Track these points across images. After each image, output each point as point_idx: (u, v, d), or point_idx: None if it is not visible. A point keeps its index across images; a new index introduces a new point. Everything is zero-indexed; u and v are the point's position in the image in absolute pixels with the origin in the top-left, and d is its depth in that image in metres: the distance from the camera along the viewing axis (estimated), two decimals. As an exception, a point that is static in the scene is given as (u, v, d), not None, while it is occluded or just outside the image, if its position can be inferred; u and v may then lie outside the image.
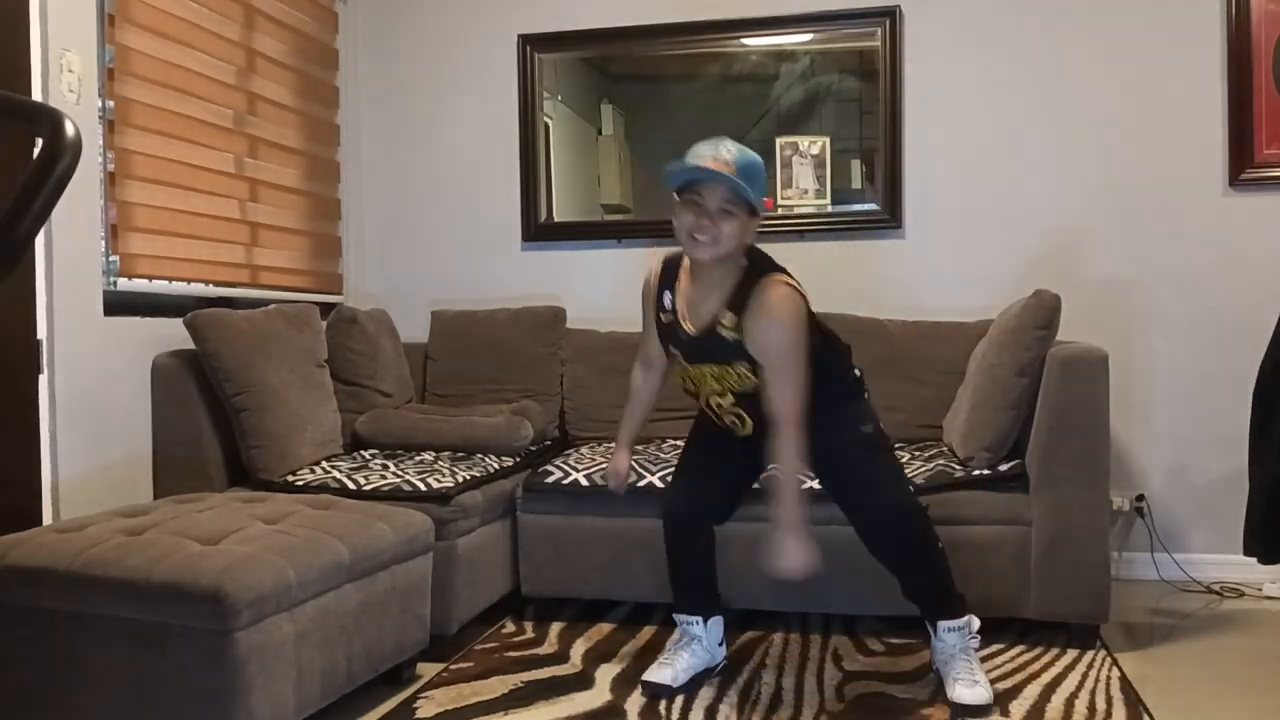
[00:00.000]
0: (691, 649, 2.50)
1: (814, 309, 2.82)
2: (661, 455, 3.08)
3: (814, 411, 2.22)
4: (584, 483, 2.91)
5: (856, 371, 2.45)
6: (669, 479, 2.70)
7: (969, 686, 2.29)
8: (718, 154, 2.13)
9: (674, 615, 2.57)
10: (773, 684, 2.47)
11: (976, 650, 2.40)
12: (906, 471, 2.79)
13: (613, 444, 3.33)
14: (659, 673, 2.45)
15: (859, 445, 2.37)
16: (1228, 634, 2.87)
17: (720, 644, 2.58)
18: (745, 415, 2.34)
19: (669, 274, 2.35)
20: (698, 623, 2.52)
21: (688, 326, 2.29)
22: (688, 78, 3.86)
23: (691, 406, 3.40)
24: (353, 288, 4.01)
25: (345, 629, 2.18)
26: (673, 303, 2.32)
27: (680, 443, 3.30)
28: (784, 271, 2.27)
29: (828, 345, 2.36)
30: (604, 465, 2.98)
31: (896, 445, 3.18)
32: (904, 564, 2.36)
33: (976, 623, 2.40)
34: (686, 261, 2.31)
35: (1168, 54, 3.45)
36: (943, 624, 2.35)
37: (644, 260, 3.78)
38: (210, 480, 2.79)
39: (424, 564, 2.51)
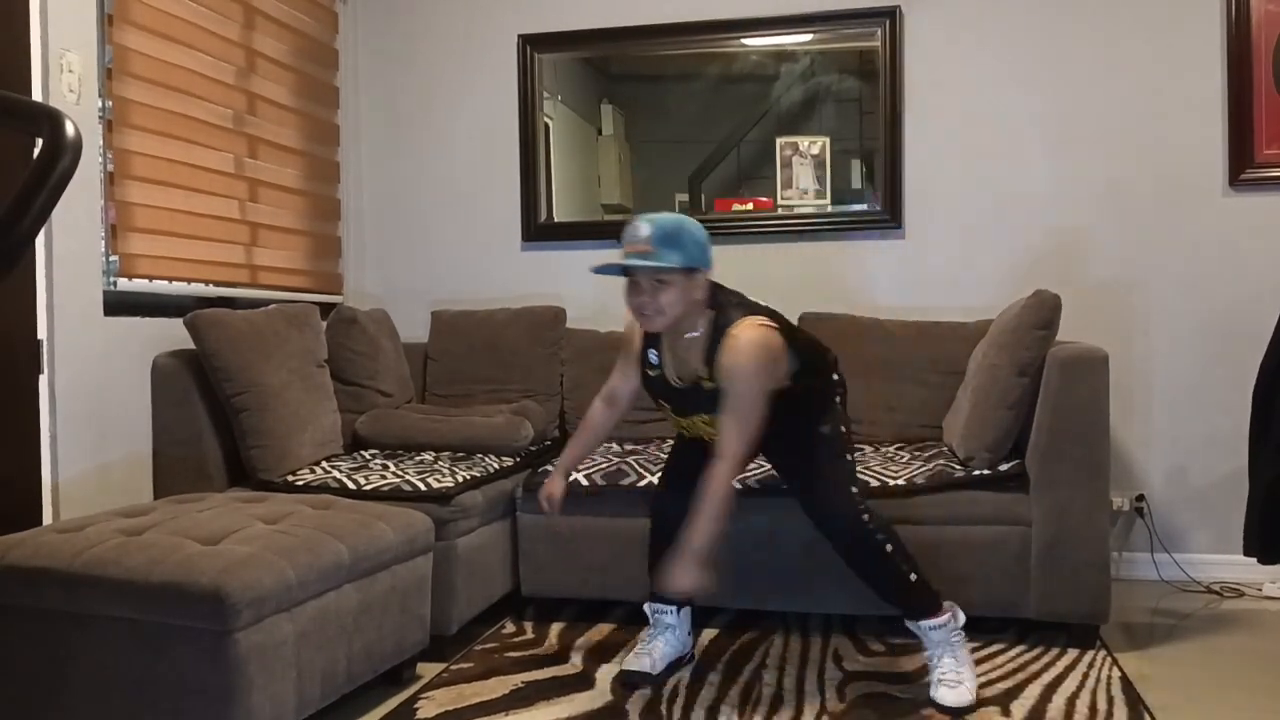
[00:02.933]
0: (665, 637, 2.56)
1: (813, 309, 2.86)
2: (661, 455, 3.08)
3: (784, 404, 2.34)
4: (584, 483, 2.91)
5: (835, 376, 2.52)
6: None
7: (952, 687, 2.30)
8: (635, 238, 2.25)
9: (647, 606, 2.62)
10: (773, 684, 2.47)
11: (964, 642, 2.39)
12: (907, 471, 2.80)
13: (612, 444, 3.35)
14: (638, 661, 2.51)
15: (819, 445, 2.43)
16: (1228, 634, 2.87)
17: (689, 634, 2.65)
18: None
19: (653, 334, 2.40)
20: (671, 612, 2.58)
21: (675, 381, 2.40)
22: (688, 78, 3.86)
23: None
24: (353, 288, 4.01)
25: (345, 629, 2.18)
26: (659, 359, 2.42)
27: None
28: (751, 311, 2.31)
29: (809, 364, 2.43)
30: (604, 465, 2.99)
31: (897, 445, 3.20)
32: (854, 566, 2.37)
33: (961, 616, 2.39)
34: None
35: (1168, 54, 3.45)
36: (924, 624, 2.36)
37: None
38: (210, 480, 2.79)
39: (424, 564, 2.51)
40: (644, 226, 2.25)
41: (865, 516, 2.34)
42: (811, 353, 2.45)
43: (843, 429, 2.47)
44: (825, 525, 2.37)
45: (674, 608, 2.58)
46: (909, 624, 2.39)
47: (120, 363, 2.79)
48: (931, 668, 2.37)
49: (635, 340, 2.49)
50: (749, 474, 2.78)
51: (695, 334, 2.33)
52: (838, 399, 2.49)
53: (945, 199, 3.62)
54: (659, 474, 2.87)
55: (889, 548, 2.33)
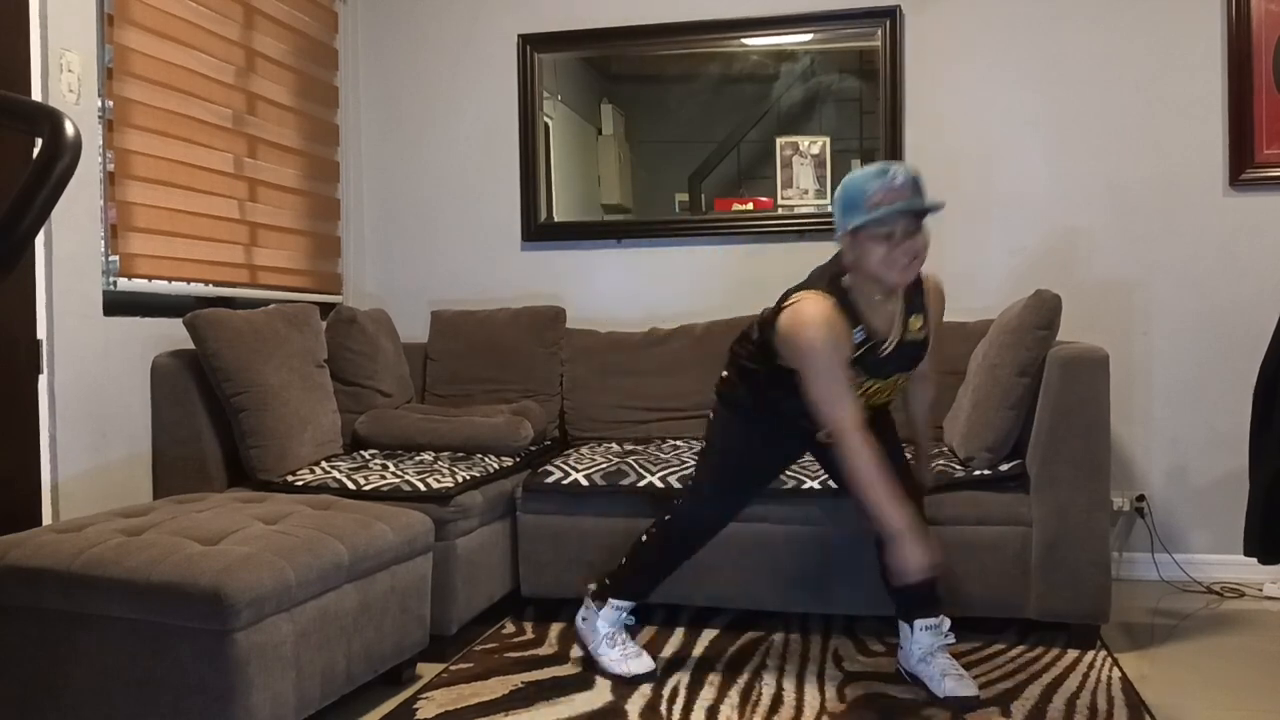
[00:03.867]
0: (629, 631, 2.60)
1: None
2: (661, 455, 3.08)
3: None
4: (584, 483, 2.91)
5: None
6: (707, 483, 2.54)
7: (958, 679, 2.34)
8: (892, 186, 2.13)
9: (619, 600, 2.56)
10: (773, 684, 2.47)
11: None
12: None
13: (612, 444, 3.35)
14: (640, 664, 2.53)
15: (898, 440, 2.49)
16: (1228, 634, 2.87)
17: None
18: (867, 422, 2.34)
19: (849, 311, 2.23)
20: (631, 608, 2.59)
21: (888, 345, 2.27)
22: (688, 78, 3.86)
23: (691, 407, 3.41)
24: (352, 288, 4.01)
25: (345, 629, 2.18)
26: (865, 334, 2.24)
27: (678, 443, 3.32)
28: None
29: None
30: (603, 465, 2.98)
31: (897, 445, 3.20)
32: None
33: (948, 622, 2.45)
34: (853, 292, 2.25)
35: (1168, 54, 3.45)
36: (920, 622, 2.40)
37: (643, 260, 3.80)
38: (210, 480, 2.79)
39: (424, 564, 2.51)
40: (899, 173, 2.14)
41: None
42: None
43: None
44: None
45: (631, 604, 2.59)
46: (911, 623, 2.42)
47: (120, 363, 2.79)
48: (922, 670, 2.40)
49: (840, 343, 2.19)
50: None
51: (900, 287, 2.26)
52: None
53: (945, 199, 3.61)
54: (660, 474, 2.86)
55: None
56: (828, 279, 2.25)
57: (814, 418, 2.22)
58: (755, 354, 2.37)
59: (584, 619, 2.59)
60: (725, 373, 2.48)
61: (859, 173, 2.18)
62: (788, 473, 2.71)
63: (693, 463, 2.93)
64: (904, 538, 2.10)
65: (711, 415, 2.50)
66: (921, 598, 2.41)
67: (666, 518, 2.54)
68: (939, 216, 3.60)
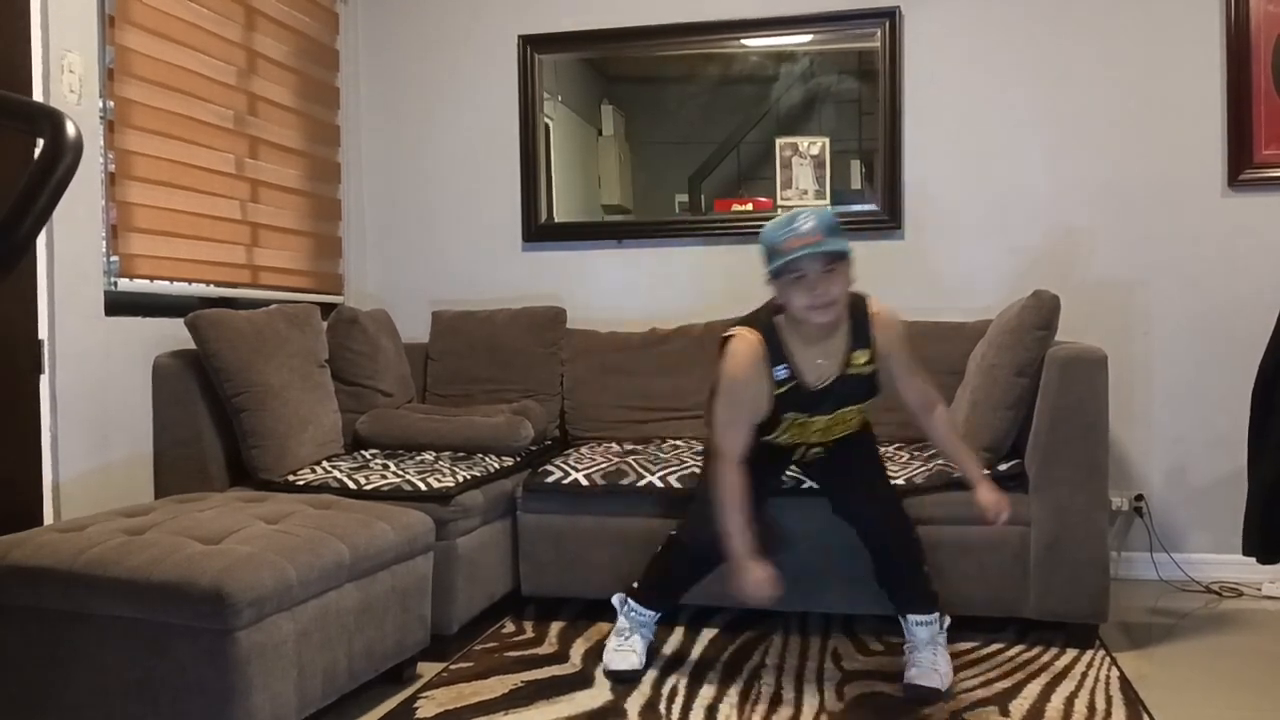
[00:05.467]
0: (641, 632, 2.61)
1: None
2: (661, 455, 3.08)
3: (854, 439, 2.49)
4: (584, 483, 2.91)
5: None
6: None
7: (926, 671, 2.40)
8: (799, 232, 2.22)
9: (629, 602, 2.62)
10: (773, 684, 2.47)
11: (945, 645, 2.49)
12: (906, 471, 2.81)
13: (612, 444, 3.36)
14: (624, 660, 2.54)
15: (875, 449, 2.62)
16: (1227, 634, 2.88)
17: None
18: (825, 455, 2.55)
19: (774, 350, 2.32)
20: (652, 615, 2.63)
21: (814, 384, 2.35)
22: (688, 78, 3.87)
23: (691, 406, 3.42)
24: (353, 288, 4.01)
25: (346, 628, 2.18)
26: (789, 370, 2.33)
27: (678, 443, 3.32)
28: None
29: None
30: (604, 465, 2.99)
31: (896, 445, 3.20)
32: (897, 562, 2.51)
33: (947, 620, 2.50)
34: (784, 330, 2.34)
35: (1168, 54, 3.46)
36: (913, 617, 2.46)
37: (643, 260, 3.81)
38: (211, 480, 2.79)
39: (424, 564, 2.51)
40: (807, 220, 2.23)
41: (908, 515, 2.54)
42: None
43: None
44: (892, 527, 2.49)
45: (652, 612, 2.61)
46: (907, 619, 2.46)
47: (121, 363, 2.79)
48: (908, 656, 2.45)
49: (751, 381, 2.31)
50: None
51: (843, 323, 2.34)
52: None
53: (945, 199, 3.63)
54: (660, 474, 2.87)
55: (922, 545, 2.51)
56: (764, 316, 2.38)
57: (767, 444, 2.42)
58: None
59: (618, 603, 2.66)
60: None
61: (773, 221, 2.30)
62: (787, 473, 2.72)
63: (692, 463, 2.94)
64: (741, 566, 2.26)
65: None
66: (910, 595, 2.48)
67: (672, 534, 2.60)
68: (938, 217, 3.62)
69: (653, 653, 2.64)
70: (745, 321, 2.39)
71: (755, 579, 2.25)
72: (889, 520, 2.50)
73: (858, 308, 2.36)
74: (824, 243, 2.21)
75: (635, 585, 2.64)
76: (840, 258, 2.25)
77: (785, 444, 2.49)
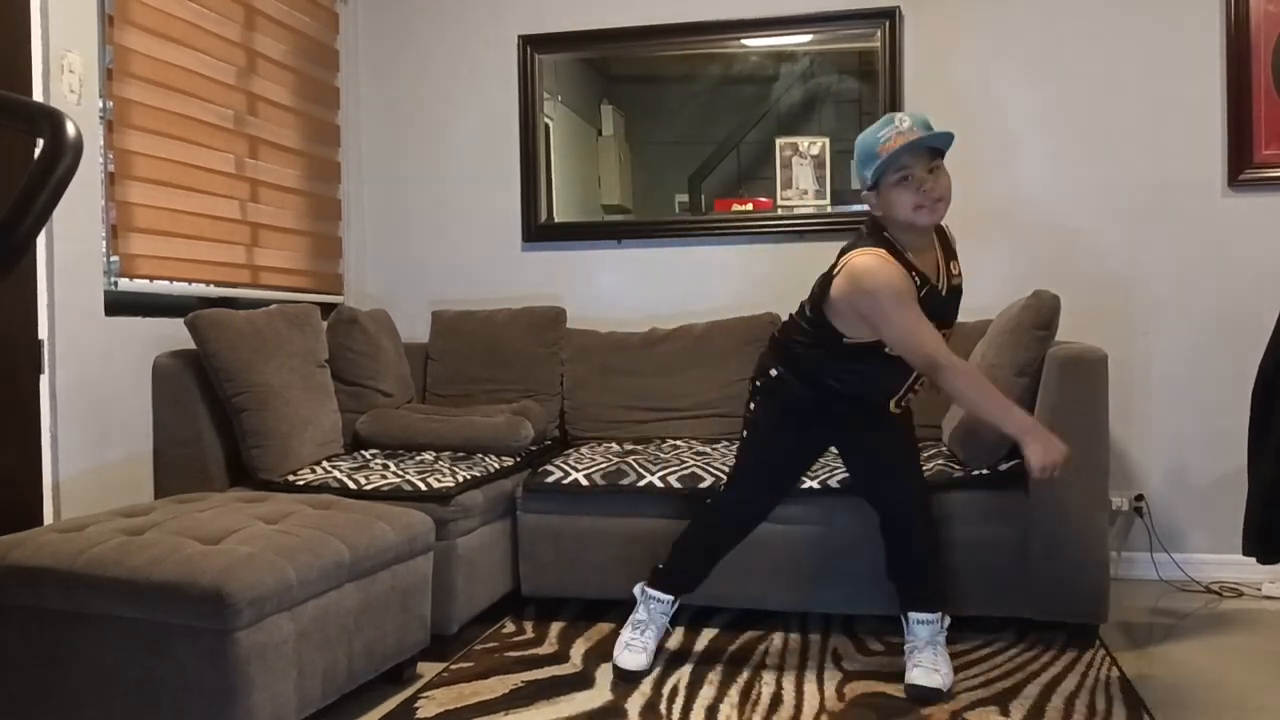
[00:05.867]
0: (654, 628, 2.59)
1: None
2: (661, 455, 3.08)
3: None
4: (584, 483, 2.91)
5: None
6: (744, 478, 2.58)
7: (928, 672, 2.39)
8: (902, 129, 2.19)
9: (647, 590, 2.61)
10: (773, 684, 2.47)
11: (945, 644, 2.49)
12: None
13: (612, 444, 3.35)
14: (633, 659, 2.53)
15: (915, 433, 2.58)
16: (1227, 634, 2.87)
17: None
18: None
19: (901, 261, 2.25)
20: (669, 601, 2.61)
21: (941, 287, 2.32)
22: (688, 78, 3.87)
23: (691, 407, 3.42)
24: (353, 288, 4.01)
25: (346, 629, 2.18)
26: (918, 278, 2.26)
27: (678, 443, 3.32)
28: None
29: None
30: (603, 465, 2.98)
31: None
32: (918, 550, 2.50)
33: (948, 620, 2.50)
34: (897, 243, 2.27)
35: (1168, 54, 3.46)
36: (914, 615, 2.47)
37: (643, 260, 3.80)
38: (211, 480, 2.79)
39: (424, 564, 2.51)
40: (904, 120, 2.20)
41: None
42: None
43: None
44: (920, 514, 2.48)
45: (671, 598, 2.60)
46: (909, 617, 2.47)
47: (121, 363, 2.79)
48: (908, 657, 2.45)
49: (908, 278, 2.23)
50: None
51: (930, 235, 2.31)
52: None
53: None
54: (660, 474, 2.87)
55: (940, 541, 2.54)
56: (869, 236, 2.30)
57: (874, 389, 2.36)
58: (810, 333, 2.37)
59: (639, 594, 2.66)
60: (772, 370, 2.46)
61: (866, 130, 2.27)
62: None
63: (692, 463, 2.94)
64: (1033, 434, 2.14)
65: (750, 410, 2.54)
66: (920, 591, 2.48)
67: (708, 503, 2.62)
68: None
69: (655, 652, 2.63)
70: (852, 246, 2.29)
71: (1049, 444, 2.11)
72: (919, 506, 2.50)
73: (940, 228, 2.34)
74: (927, 137, 2.18)
75: (659, 566, 2.62)
76: (943, 152, 2.23)
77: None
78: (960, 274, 2.39)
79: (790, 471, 2.61)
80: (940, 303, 2.30)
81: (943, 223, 2.35)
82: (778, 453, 2.54)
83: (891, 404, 2.44)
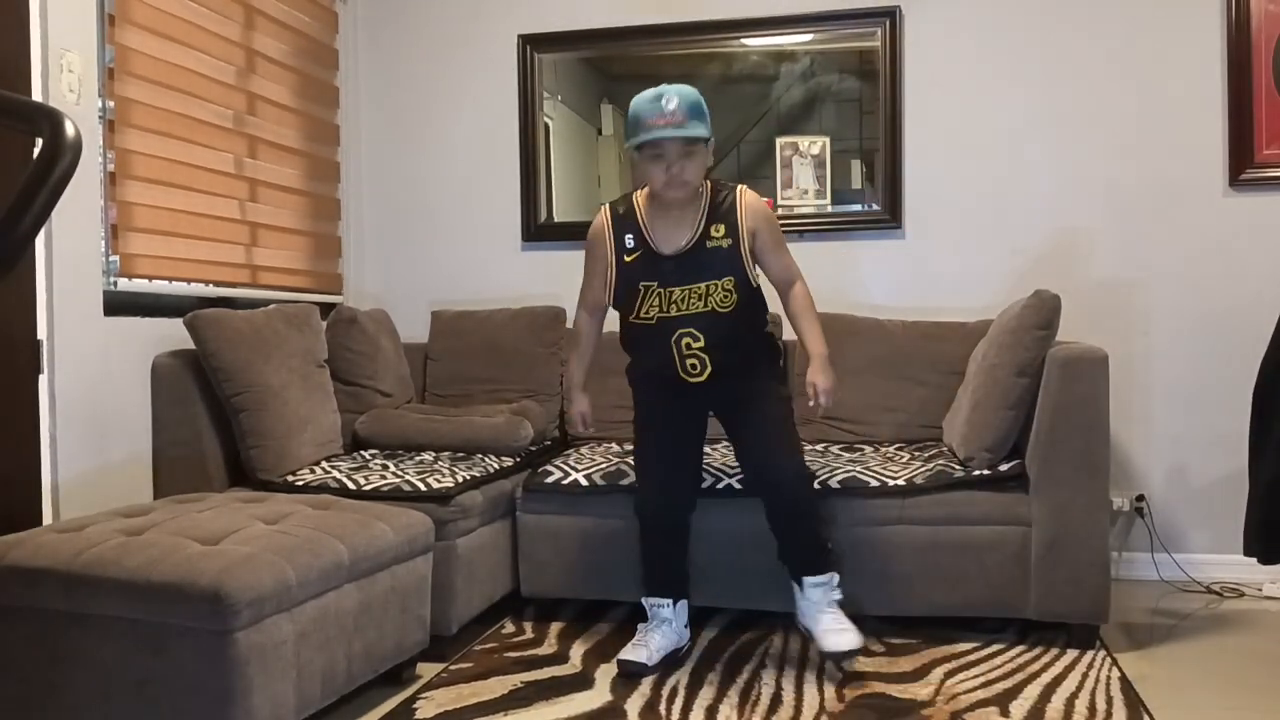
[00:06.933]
0: (662, 630, 2.61)
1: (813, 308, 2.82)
2: (661, 455, 3.08)
3: (743, 353, 2.56)
4: (584, 483, 2.91)
5: (781, 342, 2.82)
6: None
7: (840, 633, 2.46)
8: (664, 111, 2.38)
9: (644, 599, 2.67)
10: (772, 684, 2.47)
11: (839, 602, 2.56)
12: (906, 471, 2.81)
13: (612, 444, 3.35)
14: (634, 652, 2.55)
15: (778, 401, 2.63)
16: (1228, 634, 2.87)
17: (686, 626, 2.68)
18: (708, 356, 2.53)
19: (624, 219, 2.56)
20: (668, 605, 2.63)
21: (666, 250, 2.51)
22: (688, 78, 3.83)
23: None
24: (353, 288, 4.01)
25: (345, 629, 2.18)
26: (636, 240, 2.53)
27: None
28: None
29: (765, 311, 2.68)
30: (604, 465, 2.99)
31: (897, 445, 3.20)
32: (789, 523, 2.55)
33: (836, 577, 2.56)
34: (643, 202, 2.55)
35: (1168, 54, 3.46)
36: (808, 580, 2.53)
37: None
38: (210, 480, 2.79)
39: (424, 564, 2.51)
40: (672, 99, 2.38)
41: (810, 478, 2.62)
42: (763, 302, 2.65)
43: (790, 396, 2.75)
44: (778, 481, 2.52)
45: (669, 600, 2.62)
46: (800, 580, 2.54)
47: (120, 363, 2.79)
48: (813, 626, 2.52)
49: (603, 239, 2.58)
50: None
51: (693, 201, 2.50)
52: (782, 362, 2.78)
53: (945, 199, 3.62)
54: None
55: (819, 509, 2.61)
56: (631, 188, 2.63)
57: (651, 356, 2.60)
58: None
59: None
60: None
61: (642, 95, 2.42)
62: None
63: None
64: (571, 396, 2.73)
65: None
66: (806, 554, 2.54)
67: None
68: (939, 217, 3.62)
69: (661, 652, 2.61)
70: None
71: (578, 409, 2.71)
72: (780, 459, 2.51)
73: (724, 189, 2.53)
74: (685, 126, 2.36)
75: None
76: (698, 141, 2.40)
77: (653, 323, 2.54)
78: (725, 235, 2.49)
79: (672, 441, 2.64)
80: (660, 262, 2.50)
81: (745, 198, 2.52)
82: (655, 438, 2.65)
83: (679, 372, 2.57)
